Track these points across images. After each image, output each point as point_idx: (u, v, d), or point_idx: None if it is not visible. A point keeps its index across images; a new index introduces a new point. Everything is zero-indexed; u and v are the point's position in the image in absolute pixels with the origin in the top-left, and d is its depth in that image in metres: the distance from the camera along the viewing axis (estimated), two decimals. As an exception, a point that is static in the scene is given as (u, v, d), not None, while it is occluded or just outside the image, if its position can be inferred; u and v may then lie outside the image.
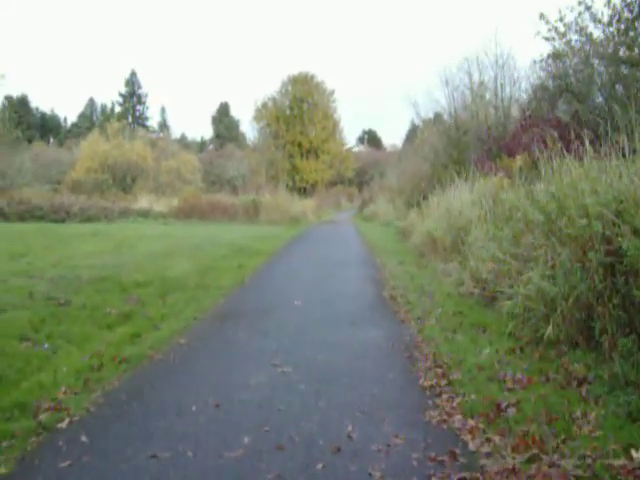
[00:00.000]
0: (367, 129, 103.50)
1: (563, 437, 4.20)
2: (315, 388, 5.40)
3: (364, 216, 44.29)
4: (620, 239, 5.62)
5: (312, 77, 58.49)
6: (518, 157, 15.15)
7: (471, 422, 4.58)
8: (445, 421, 4.66)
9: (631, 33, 13.63)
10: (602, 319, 5.75)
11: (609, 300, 5.71)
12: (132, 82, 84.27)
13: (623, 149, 7.07)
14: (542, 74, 18.12)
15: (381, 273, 13.04)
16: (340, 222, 41.37)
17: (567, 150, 8.66)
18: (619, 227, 5.80)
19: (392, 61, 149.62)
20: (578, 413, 4.59)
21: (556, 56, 16.15)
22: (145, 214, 37.45)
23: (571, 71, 15.88)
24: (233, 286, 11.29)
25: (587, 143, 7.97)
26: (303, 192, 54.57)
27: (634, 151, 6.92)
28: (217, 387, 5.49)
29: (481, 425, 4.51)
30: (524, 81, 24.66)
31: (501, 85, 25.50)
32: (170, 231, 23.52)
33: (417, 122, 39.46)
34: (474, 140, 22.83)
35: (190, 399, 5.14)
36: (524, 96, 23.99)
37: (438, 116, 30.78)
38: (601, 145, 7.73)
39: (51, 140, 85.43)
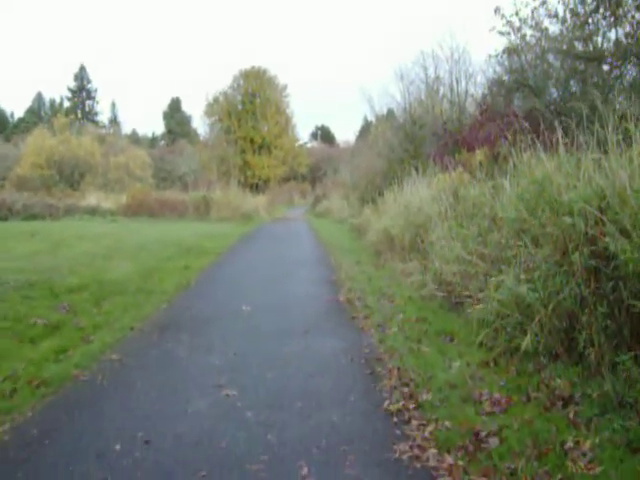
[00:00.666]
0: (320, 125, 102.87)
1: (559, 477, 3.52)
2: (264, 416, 4.61)
3: (317, 212, 43.57)
4: (607, 239, 4.98)
5: (264, 71, 57.56)
6: (478, 151, 14.62)
7: (448, 458, 3.86)
8: (418, 458, 3.92)
9: (587, 29, 13.43)
10: (587, 329, 5.10)
11: (595, 308, 5.06)
12: (81, 77, 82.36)
13: (601, 142, 6.47)
14: (498, 68, 17.91)
15: (337, 274, 12.31)
16: (293, 219, 40.62)
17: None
18: (604, 225, 5.17)
19: (347, 56, 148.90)
20: (570, 443, 3.93)
21: (511, 50, 15.89)
22: (92, 211, 36.34)
23: (527, 66, 15.69)
24: (177, 290, 10.43)
25: (559, 135, 7.33)
26: (255, 188, 53.67)
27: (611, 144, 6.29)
28: (149, 417, 4.66)
29: (460, 462, 3.79)
30: (479, 76, 24.45)
31: (456, 79, 25.18)
32: (115, 229, 22.45)
33: (371, 118, 39.01)
34: (430, 135, 22.33)
35: (115, 434, 4.30)
36: (479, 91, 23.76)
37: (392, 112, 30.30)
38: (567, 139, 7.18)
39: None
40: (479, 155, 14.49)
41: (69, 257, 12.64)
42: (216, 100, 56.76)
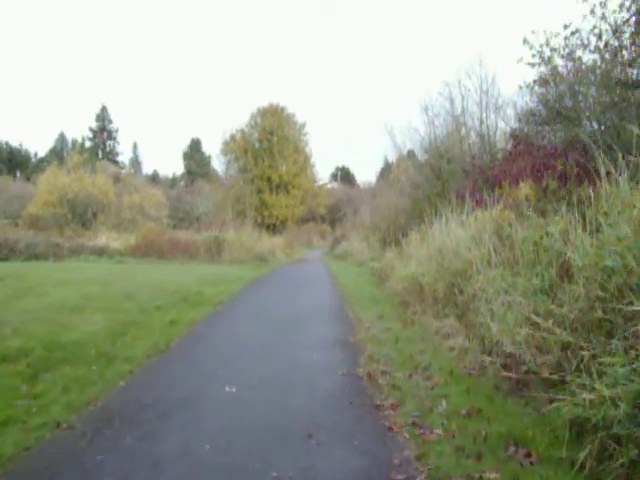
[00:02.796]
0: (340, 166, 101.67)
1: None
2: None
3: (336, 254, 41.34)
4: None
5: (282, 109, 55.88)
6: (522, 184, 12.37)
7: None
8: None
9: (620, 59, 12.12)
10: None
11: None
12: (102, 117, 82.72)
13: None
14: (530, 99, 16.21)
15: (355, 332, 9.97)
16: (310, 261, 38.33)
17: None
18: None
19: (368, 95, 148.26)
20: None
21: (543, 81, 14.23)
22: (100, 252, 34.53)
23: (565, 95, 14.00)
24: (150, 355, 8.14)
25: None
26: (272, 229, 51.68)
27: None
28: None
29: None
30: (509, 107, 22.44)
31: (485, 111, 23.01)
32: (113, 272, 20.25)
33: (392, 155, 36.90)
34: (458, 170, 20.20)
35: None
36: (509, 124, 21.84)
37: (414, 150, 28.20)
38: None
39: (18, 174, 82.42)
40: (524, 188, 12.25)
41: (28, 309, 10.40)
42: (232, 138, 55.06)
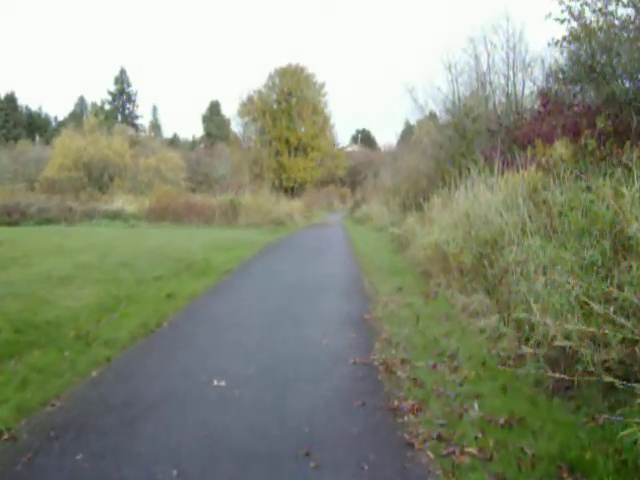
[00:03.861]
0: (361, 129, 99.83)
1: None
2: None
3: (356, 218, 40.16)
4: None
5: (302, 69, 54.28)
6: (557, 143, 11.19)
7: None
8: None
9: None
10: None
11: None
12: (121, 80, 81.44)
13: None
14: (560, 57, 15.06)
15: (371, 308, 8.88)
16: (329, 225, 37.23)
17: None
18: None
19: (389, 55, 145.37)
20: None
21: (574, 37, 13.02)
22: (114, 216, 33.63)
23: (599, 51, 12.92)
24: (136, 337, 7.11)
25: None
26: (291, 192, 50.53)
27: None
28: None
29: None
30: (537, 66, 21.05)
31: (513, 69, 21.57)
32: (117, 238, 19.28)
33: (414, 115, 35.45)
34: (484, 130, 18.92)
35: None
36: (537, 82, 20.49)
37: (434, 113, 26.80)
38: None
39: (37, 138, 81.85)
40: (559, 148, 11.05)
41: (9, 281, 9.38)
42: (250, 99, 53.70)
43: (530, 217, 8.55)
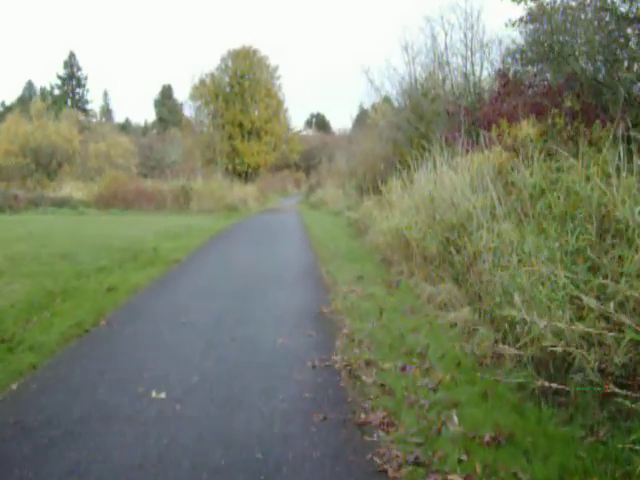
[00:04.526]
0: (315, 113, 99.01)
1: None
2: None
3: (311, 203, 39.50)
4: None
5: (255, 52, 53.05)
6: (524, 122, 10.66)
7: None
8: None
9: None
10: None
11: None
12: (71, 64, 79.12)
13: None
14: (520, 36, 14.78)
15: (331, 300, 8.19)
16: (284, 210, 36.48)
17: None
18: None
19: (343, 37, 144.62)
20: None
21: (534, 18, 12.93)
22: (62, 203, 32.32)
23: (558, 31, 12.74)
24: (69, 339, 6.28)
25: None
26: (245, 177, 49.53)
27: None
28: None
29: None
30: (495, 47, 20.58)
31: (471, 49, 21.02)
32: (59, 227, 18.29)
33: (370, 98, 34.79)
34: (442, 111, 18.38)
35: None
36: (496, 63, 20.07)
37: (390, 95, 26.10)
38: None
39: (-18, 124, 79.24)
40: (525, 127, 10.53)
41: None
42: (202, 82, 52.26)
43: (499, 200, 7.98)
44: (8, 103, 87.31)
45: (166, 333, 6.55)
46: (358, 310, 7.43)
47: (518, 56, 15.53)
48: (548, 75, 13.40)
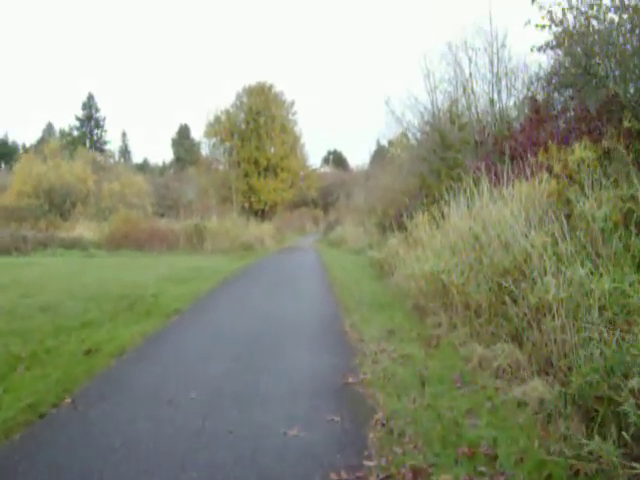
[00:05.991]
0: (332, 149, 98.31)
1: None
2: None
3: (330, 241, 38.09)
4: None
5: (270, 87, 52.15)
6: (576, 146, 9.16)
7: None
8: None
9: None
10: None
11: None
12: (89, 105, 79.66)
13: None
14: (548, 61, 14.11)
15: (357, 365, 6.59)
16: (302, 249, 35.02)
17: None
18: None
19: (360, 76, 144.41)
20: None
21: (563, 41, 12.14)
22: (72, 244, 31.14)
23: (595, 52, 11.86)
24: (21, 424, 4.74)
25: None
26: (261, 215, 48.26)
27: None
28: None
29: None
30: (521, 72, 19.36)
31: (497, 74, 19.67)
32: (56, 272, 16.88)
33: (390, 129, 33.46)
34: (472, 139, 16.98)
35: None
36: (523, 89, 18.87)
37: (412, 125, 24.73)
38: None
39: (2, 166, 79.45)
40: (579, 151, 9.00)
41: None
42: (217, 119, 51.34)
43: (563, 236, 6.44)
44: (28, 145, 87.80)
45: (141, 422, 4.93)
46: (393, 380, 5.83)
47: (554, 80, 14.46)
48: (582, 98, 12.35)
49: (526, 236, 6.80)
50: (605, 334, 4.48)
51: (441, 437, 4.33)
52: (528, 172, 9.10)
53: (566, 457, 3.82)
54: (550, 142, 9.82)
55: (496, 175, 10.16)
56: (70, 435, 4.68)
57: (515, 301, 6.30)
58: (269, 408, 5.21)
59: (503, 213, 7.73)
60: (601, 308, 4.99)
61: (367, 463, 3.99)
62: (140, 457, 4.20)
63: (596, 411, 4.16)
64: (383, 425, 4.67)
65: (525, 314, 5.98)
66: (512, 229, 7.16)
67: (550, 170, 8.95)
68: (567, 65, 13.72)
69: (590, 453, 3.78)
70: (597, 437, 3.92)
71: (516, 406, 4.84)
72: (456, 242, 9.09)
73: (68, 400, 5.50)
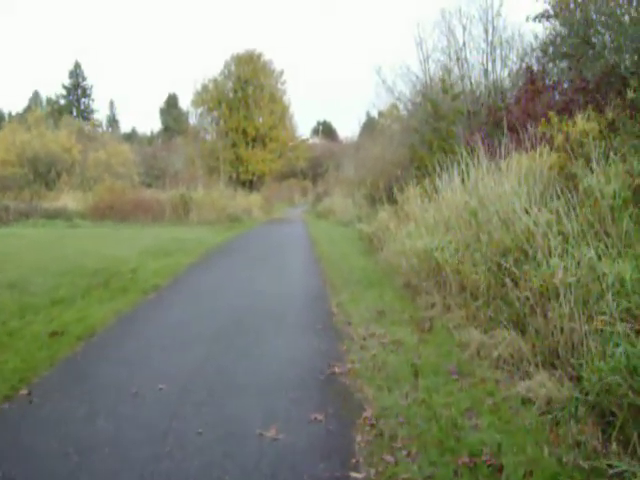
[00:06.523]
0: (322, 120, 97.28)
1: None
2: None
3: (318, 212, 37.51)
4: None
5: (259, 56, 51.01)
6: (578, 118, 8.65)
7: None
8: None
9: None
10: None
11: None
12: (76, 74, 78.15)
13: None
14: (541, 32, 13.83)
15: (344, 352, 6.07)
16: (290, 220, 34.48)
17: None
18: None
19: (352, 40, 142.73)
20: None
21: (559, 11, 12.20)
22: (55, 215, 30.38)
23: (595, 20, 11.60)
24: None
25: None
26: (249, 186, 47.53)
27: None
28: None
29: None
30: (516, 42, 18.82)
31: (491, 44, 19.02)
32: (33, 242, 16.28)
33: (381, 99, 32.69)
34: (464, 109, 16.45)
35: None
36: (514, 58, 18.42)
37: (404, 95, 24.01)
38: None
39: (-13, 134, 78.55)
40: (580, 123, 8.50)
41: None
42: (205, 88, 50.23)
43: (569, 213, 5.93)
44: (14, 114, 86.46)
45: (101, 418, 4.38)
46: (383, 370, 5.31)
47: (550, 51, 14.11)
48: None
49: (527, 212, 6.27)
50: (624, 328, 3.96)
51: (438, 442, 3.82)
52: (527, 144, 8.58)
53: (582, 469, 3.33)
54: (551, 113, 9.25)
55: (491, 147, 9.63)
56: (18, 437, 4.13)
57: (516, 283, 5.79)
58: (246, 402, 4.68)
59: (503, 187, 7.18)
60: (615, 295, 4.48)
61: (354, 475, 3.47)
62: (94, 469, 3.66)
63: (613, 414, 3.67)
64: (372, 426, 4.15)
65: (528, 298, 5.47)
66: (512, 205, 6.62)
67: (551, 142, 8.41)
68: (564, 35, 13.33)
69: (610, 466, 3.29)
70: (615, 445, 3.45)
71: (520, 404, 4.34)
72: (450, 217, 8.57)
73: (24, 392, 4.95)
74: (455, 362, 5.43)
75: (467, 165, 9.21)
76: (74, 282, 9.74)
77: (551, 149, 8.16)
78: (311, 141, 76.91)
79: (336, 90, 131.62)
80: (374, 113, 42.22)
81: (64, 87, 77.47)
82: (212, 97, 49.66)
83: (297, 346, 6.35)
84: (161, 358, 5.96)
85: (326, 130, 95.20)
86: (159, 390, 4.98)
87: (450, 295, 7.37)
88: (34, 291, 8.84)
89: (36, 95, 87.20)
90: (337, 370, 5.43)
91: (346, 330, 6.95)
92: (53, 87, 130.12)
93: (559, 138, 8.29)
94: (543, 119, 9.11)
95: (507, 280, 5.87)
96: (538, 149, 8.15)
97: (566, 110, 9.70)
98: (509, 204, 6.69)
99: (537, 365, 4.84)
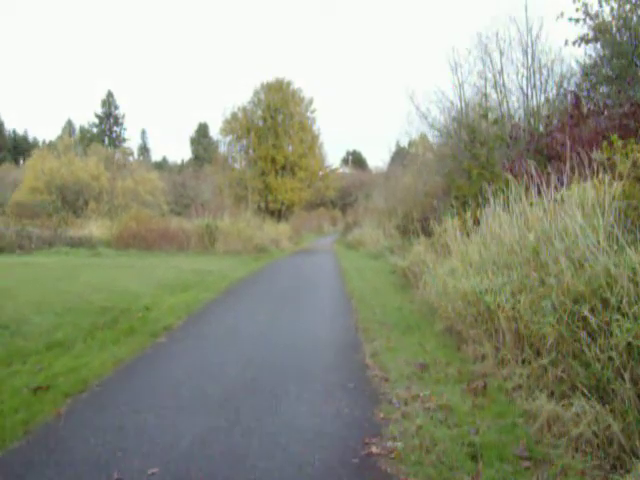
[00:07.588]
0: (351, 150, 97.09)
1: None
2: None
3: (348, 243, 36.57)
4: None
5: (288, 84, 50.55)
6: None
7: None
8: None
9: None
10: None
11: None
12: (109, 103, 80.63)
13: None
14: (581, 56, 14.17)
15: (380, 420, 4.93)
16: (319, 251, 33.50)
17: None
18: None
19: (381, 76, 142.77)
20: None
21: (596, 38, 12.27)
22: (79, 243, 29.78)
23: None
24: None
25: None
26: (278, 215, 46.76)
27: None
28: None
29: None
30: (556, 66, 17.90)
31: (531, 68, 18.04)
32: (46, 273, 15.42)
33: (413, 127, 31.81)
34: (505, 135, 15.40)
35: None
36: (552, 84, 17.60)
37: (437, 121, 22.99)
38: None
39: (21, 162, 79.85)
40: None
41: None
42: (234, 116, 49.84)
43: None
44: (47, 142, 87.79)
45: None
46: (432, 451, 4.18)
47: (592, 75, 13.55)
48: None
49: (606, 253, 5.14)
50: None
51: None
52: (588, 172, 7.47)
53: None
54: (614, 136, 8.14)
55: (541, 175, 8.56)
56: None
57: (594, 339, 4.66)
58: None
59: (572, 222, 6.03)
60: None
61: None
62: None
63: None
64: None
65: (611, 358, 4.35)
66: (584, 242, 5.49)
67: (612, 170, 7.29)
68: (608, 57, 12.80)
69: None
70: None
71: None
72: (501, 254, 7.46)
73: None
74: (522, 440, 4.29)
75: (517, 195, 8.12)
76: (76, 322, 8.77)
77: (612, 177, 7.03)
78: (341, 170, 76.29)
79: (367, 120, 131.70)
80: (404, 142, 41.42)
81: (96, 116, 79.62)
82: (241, 125, 49.30)
83: (324, 414, 5.16)
84: (156, 427, 4.86)
85: (356, 160, 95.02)
86: (149, 476, 3.90)
87: (504, 347, 6.23)
88: (28, 333, 7.87)
89: (69, 124, 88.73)
90: (374, 450, 4.30)
91: (383, 390, 5.80)
92: (86, 115, 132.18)
93: (625, 164, 7.16)
94: (605, 142, 7.99)
95: (583, 334, 4.74)
96: (598, 177, 7.04)
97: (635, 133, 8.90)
98: (579, 241, 5.56)
99: (634, 452, 3.70)
